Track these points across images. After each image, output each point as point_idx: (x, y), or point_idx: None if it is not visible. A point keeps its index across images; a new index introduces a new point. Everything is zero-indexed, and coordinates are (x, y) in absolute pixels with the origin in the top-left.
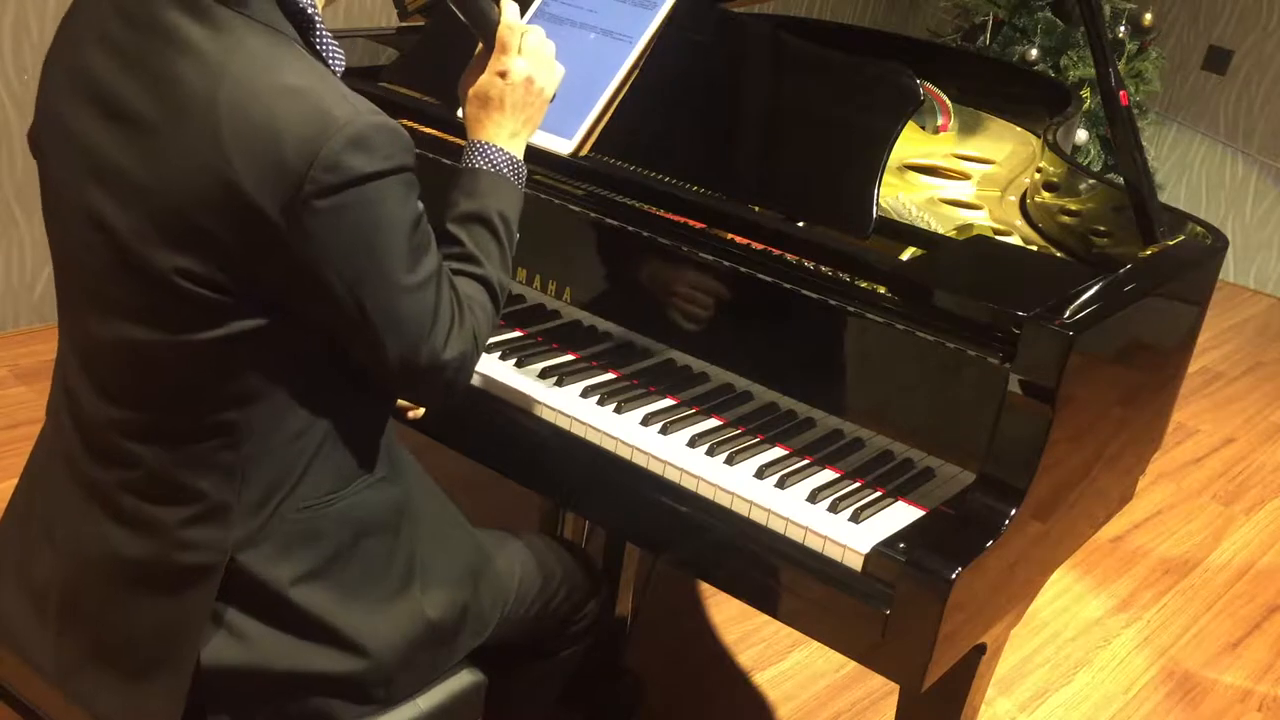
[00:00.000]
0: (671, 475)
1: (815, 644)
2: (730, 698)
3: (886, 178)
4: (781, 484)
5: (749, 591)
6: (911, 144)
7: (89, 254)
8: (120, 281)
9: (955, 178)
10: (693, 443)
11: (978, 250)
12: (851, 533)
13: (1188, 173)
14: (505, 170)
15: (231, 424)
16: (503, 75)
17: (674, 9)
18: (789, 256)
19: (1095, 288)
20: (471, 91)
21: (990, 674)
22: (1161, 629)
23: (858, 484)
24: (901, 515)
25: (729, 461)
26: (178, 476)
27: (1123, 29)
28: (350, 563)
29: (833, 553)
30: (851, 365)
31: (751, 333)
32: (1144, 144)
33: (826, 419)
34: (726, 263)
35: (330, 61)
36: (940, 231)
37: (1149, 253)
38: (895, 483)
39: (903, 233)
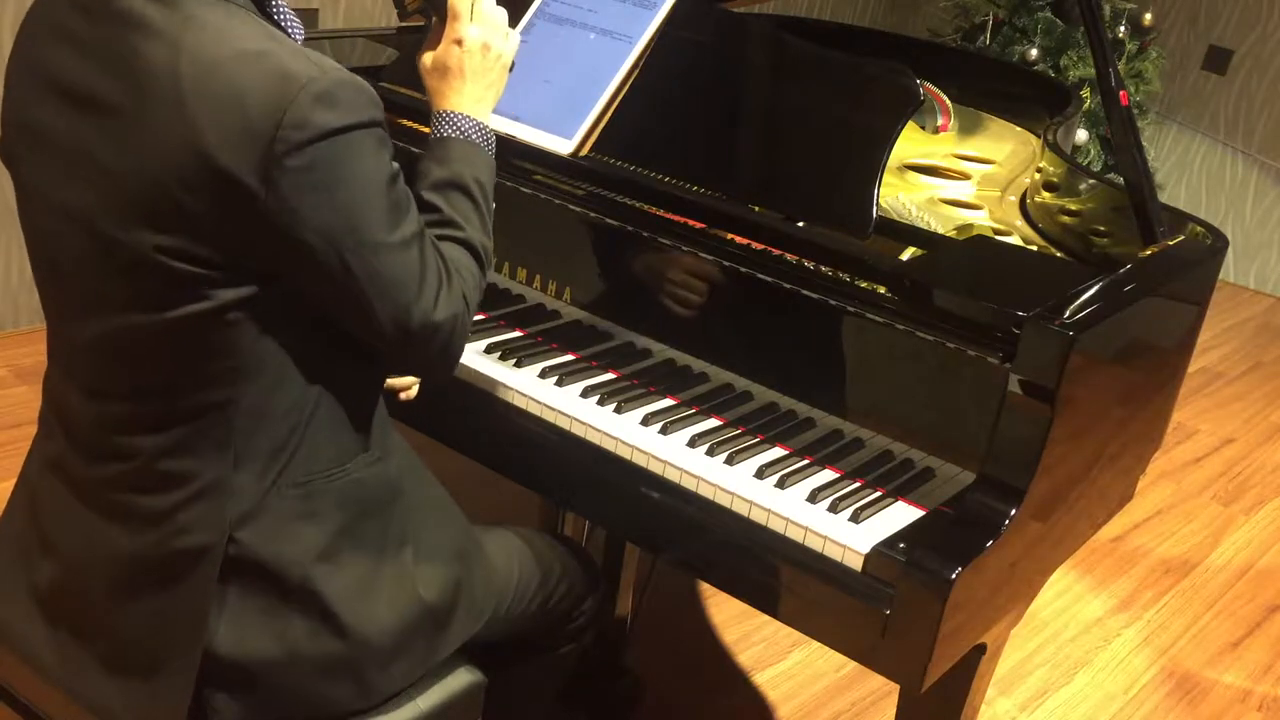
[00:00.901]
0: (671, 475)
1: (815, 644)
2: (730, 698)
3: (886, 178)
4: (781, 484)
5: (749, 591)
6: (911, 144)
7: (69, 251)
8: (103, 272)
9: (955, 178)
10: (693, 443)
11: (978, 250)
12: (851, 533)
13: (1188, 173)
14: (474, 136)
15: (222, 402)
16: (459, 43)
17: (674, 9)
18: (789, 256)
19: (1095, 288)
20: (429, 64)
21: (990, 674)
22: (1161, 629)
23: (858, 484)
24: (901, 515)
25: (729, 461)
26: (171, 462)
27: (1123, 29)
28: (348, 543)
29: (833, 553)
30: (851, 365)
31: (751, 333)
32: (1144, 144)
33: (826, 419)
34: (726, 263)
35: (289, 30)
36: (940, 231)
37: (1149, 253)
38: (895, 483)
39: (903, 233)
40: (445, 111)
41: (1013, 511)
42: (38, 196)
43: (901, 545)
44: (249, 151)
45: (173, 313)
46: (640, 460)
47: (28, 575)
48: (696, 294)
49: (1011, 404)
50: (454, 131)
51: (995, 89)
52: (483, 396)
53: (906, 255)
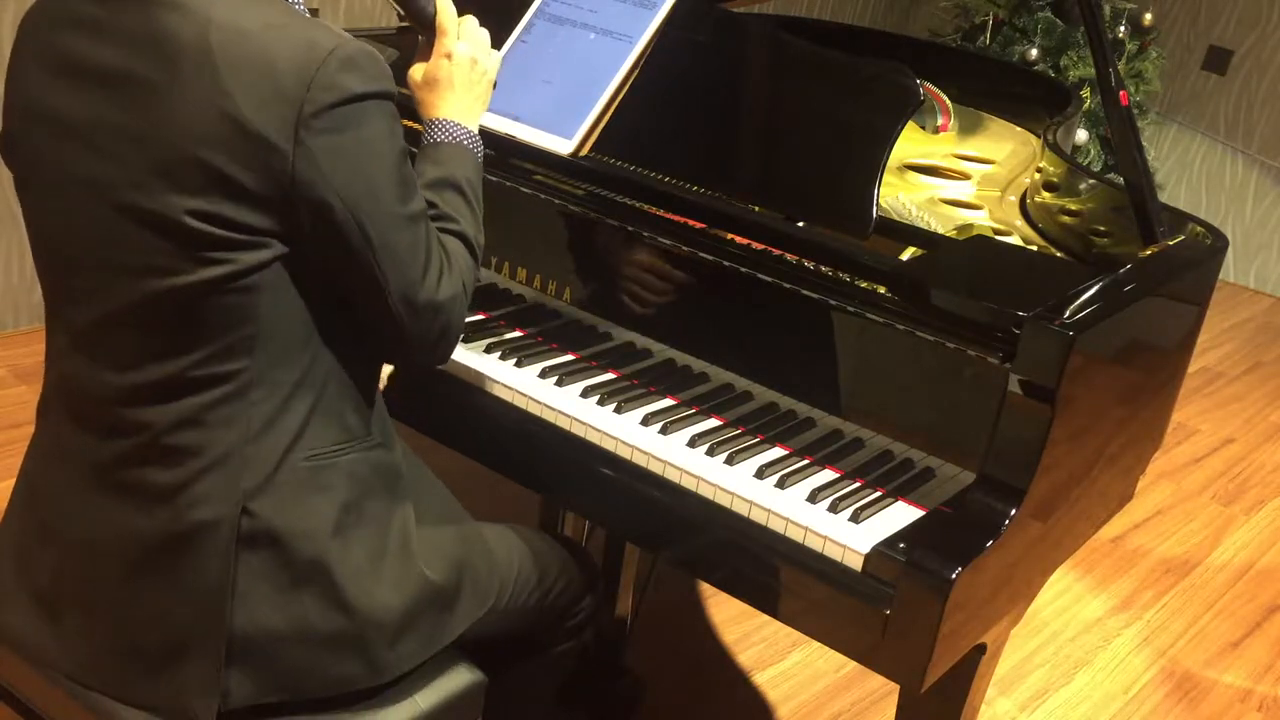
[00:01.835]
0: (671, 475)
1: (815, 644)
2: (730, 698)
3: (886, 178)
4: (781, 484)
5: (749, 591)
6: (911, 144)
7: (84, 226)
8: (126, 243)
9: (955, 178)
10: (693, 443)
11: (978, 250)
12: (851, 533)
13: (1188, 173)
14: (465, 141)
15: (234, 372)
16: (449, 57)
17: (674, 9)
18: (789, 256)
19: (1095, 288)
20: (420, 78)
21: (990, 674)
22: (1161, 629)
23: (858, 484)
24: (901, 515)
25: (729, 461)
26: (183, 434)
27: (1123, 29)
28: (356, 519)
29: (833, 553)
30: (852, 365)
31: (751, 333)
32: (1144, 144)
33: (826, 419)
34: (726, 263)
35: (296, 6)
36: (940, 231)
37: (1149, 253)
38: (895, 483)
39: (903, 233)
40: (437, 119)
41: (1013, 511)
42: (48, 177)
43: (901, 545)
44: (280, 113)
45: (190, 277)
46: (640, 460)
47: (28, 574)
48: (696, 294)
49: (1011, 404)
50: (446, 137)
51: (995, 89)
52: (483, 396)
53: (906, 255)
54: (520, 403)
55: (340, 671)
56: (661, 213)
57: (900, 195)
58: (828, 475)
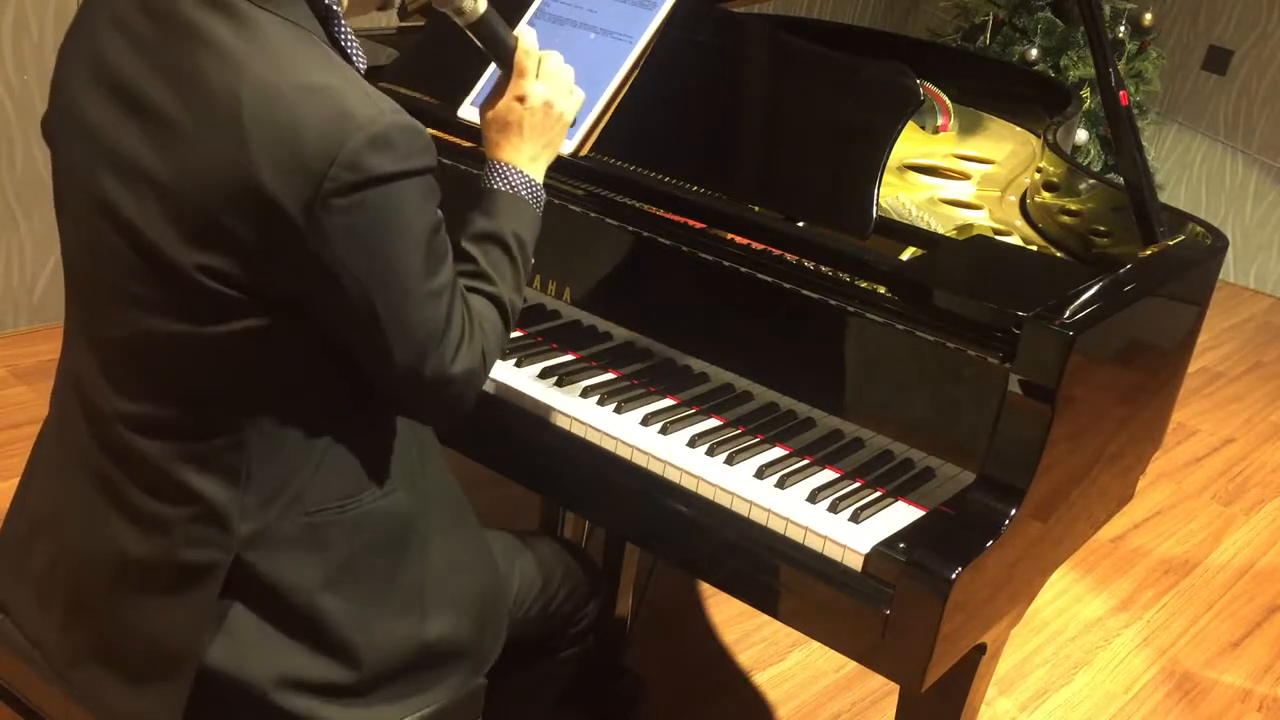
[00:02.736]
0: (671, 475)
1: (815, 644)
2: (730, 698)
3: (886, 178)
4: (781, 484)
5: (749, 591)
6: (911, 144)
7: (103, 246)
8: (136, 275)
9: (955, 178)
10: (693, 443)
11: (978, 250)
12: (851, 533)
13: (1188, 173)
14: (523, 192)
15: (238, 424)
16: (521, 100)
17: (674, 9)
18: (789, 256)
19: (1095, 288)
20: (490, 116)
21: (990, 674)
22: (1161, 629)
23: (858, 484)
24: (901, 515)
25: (729, 461)
26: (182, 474)
27: (1123, 29)
28: (353, 575)
29: (833, 553)
30: (851, 365)
31: (751, 333)
32: (1144, 144)
33: (826, 419)
34: (726, 263)
35: (353, 57)
36: (940, 231)
37: (1149, 253)
38: (895, 483)
39: (903, 233)
40: (499, 163)
41: (1013, 511)
42: (76, 187)
43: (901, 545)
44: (298, 185)
45: (198, 329)
46: (640, 460)
47: (29, 556)
48: (696, 294)
49: (1011, 404)
50: (504, 185)
51: (995, 89)
52: (482, 397)
53: (906, 255)
54: (520, 403)
55: (317, 714)
56: (661, 213)
57: (900, 195)
58: (828, 475)
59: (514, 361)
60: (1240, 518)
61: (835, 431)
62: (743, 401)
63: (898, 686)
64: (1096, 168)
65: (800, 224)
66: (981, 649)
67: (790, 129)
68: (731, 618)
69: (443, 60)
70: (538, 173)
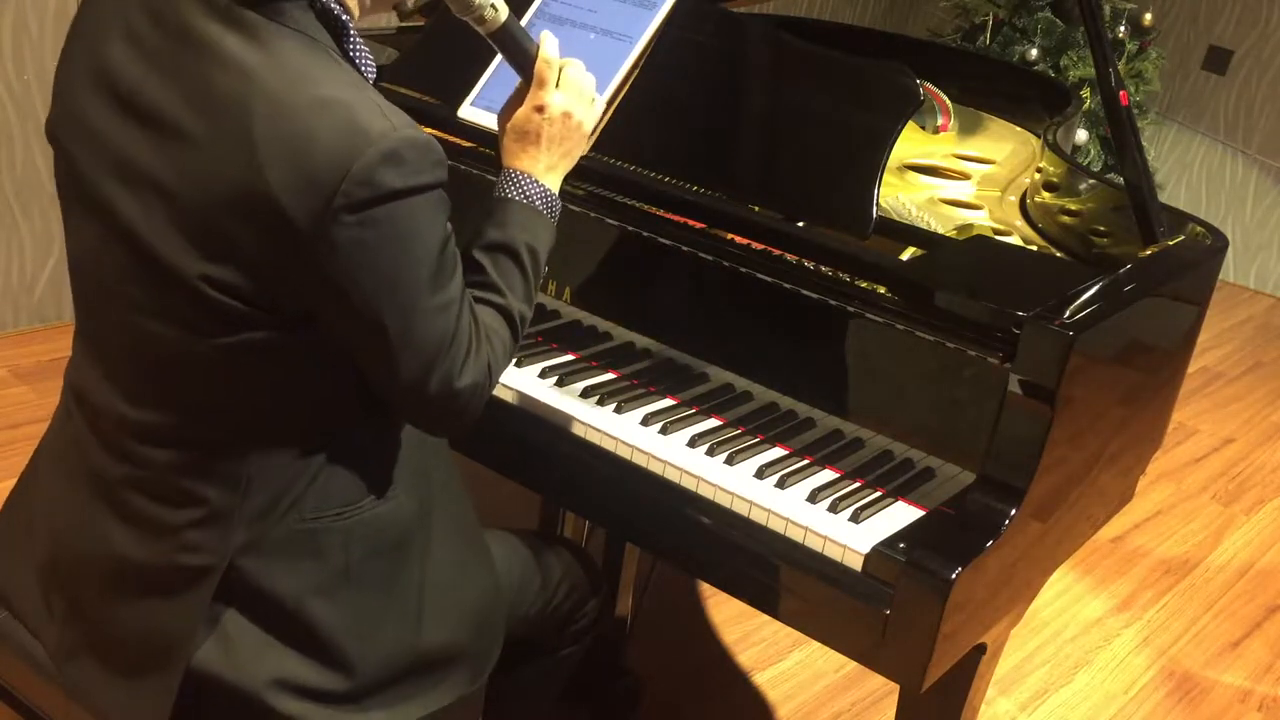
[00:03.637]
0: (671, 475)
1: (815, 644)
2: (730, 698)
3: (886, 178)
4: (781, 484)
5: (749, 591)
6: (911, 144)
7: (107, 251)
8: (141, 281)
9: (955, 178)
10: (693, 443)
11: (978, 250)
12: (851, 533)
13: (1188, 173)
14: (538, 203)
15: (240, 432)
16: (540, 110)
17: (674, 9)
18: (789, 256)
19: (1095, 288)
20: (509, 125)
21: (990, 674)
22: (1161, 629)
23: (858, 484)
24: (901, 515)
25: (729, 461)
26: (182, 481)
27: (1123, 29)
28: (349, 582)
29: (833, 553)
30: (851, 365)
31: (751, 333)
32: (1144, 144)
33: (826, 419)
34: (726, 263)
35: (363, 68)
36: (940, 231)
37: (1149, 253)
38: (895, 483)
39: (903, 233)
40: (514, 171)
41: (1013, 511)
42: (80, 190)
43: (901, 545)
44: (309, 199)
45: (201, 339)
46: (640, 460)
47: (31, 544)
48: (696, 294)
49: (1011, 404)
50: (518, 194)
51: (995, 89)
52: None
53: (906, 255)
54: (520, 403)
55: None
56: (661, 213)
57: (900, 195)
58: (828, 475)
59: (514, 361)
60: (1240, 518)
61: (835, 431)
62: (743, 401)
63: (898, 686)
64: (1096, 168)
65: (800, 224)
66: (981, 649)
67: (790, 129)
68: (731, 618)
69: (443, 60)
70: (554, 183)
